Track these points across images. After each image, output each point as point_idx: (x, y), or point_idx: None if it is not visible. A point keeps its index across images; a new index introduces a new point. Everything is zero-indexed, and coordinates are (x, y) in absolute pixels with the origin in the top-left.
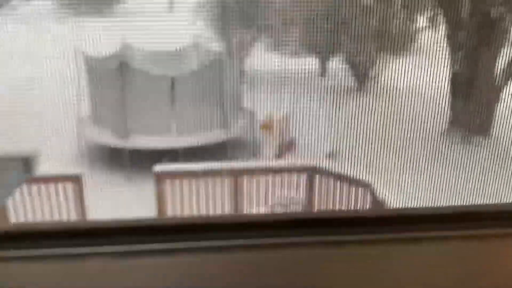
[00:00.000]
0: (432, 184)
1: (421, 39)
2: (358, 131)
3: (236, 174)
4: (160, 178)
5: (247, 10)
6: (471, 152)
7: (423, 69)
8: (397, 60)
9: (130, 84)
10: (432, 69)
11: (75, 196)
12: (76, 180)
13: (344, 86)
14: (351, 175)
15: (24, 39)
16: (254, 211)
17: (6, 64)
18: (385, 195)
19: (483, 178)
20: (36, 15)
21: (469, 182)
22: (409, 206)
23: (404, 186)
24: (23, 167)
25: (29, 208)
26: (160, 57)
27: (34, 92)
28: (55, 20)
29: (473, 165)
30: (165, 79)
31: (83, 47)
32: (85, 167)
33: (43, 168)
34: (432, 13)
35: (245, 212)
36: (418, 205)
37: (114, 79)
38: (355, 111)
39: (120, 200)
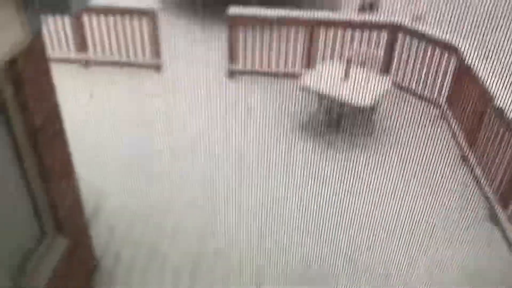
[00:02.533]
0: None
1: None
2: None
3: (313, 25)
4: (233, 22)
5: None
6: None
7: None
8: None
9: None
10: None
11: (149, 32)
12: (151, 15)
13: None
14: (437, 37)
15: None
16: (328, 63)
17: None
18: (473, 60)
19: None
20: None
21: None
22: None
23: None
24: None
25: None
26: None
27: None
28: None
29: None
30: None
31: None
32: (160, 6)
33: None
34: None
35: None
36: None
37: None
38: None
39: (194, 40)
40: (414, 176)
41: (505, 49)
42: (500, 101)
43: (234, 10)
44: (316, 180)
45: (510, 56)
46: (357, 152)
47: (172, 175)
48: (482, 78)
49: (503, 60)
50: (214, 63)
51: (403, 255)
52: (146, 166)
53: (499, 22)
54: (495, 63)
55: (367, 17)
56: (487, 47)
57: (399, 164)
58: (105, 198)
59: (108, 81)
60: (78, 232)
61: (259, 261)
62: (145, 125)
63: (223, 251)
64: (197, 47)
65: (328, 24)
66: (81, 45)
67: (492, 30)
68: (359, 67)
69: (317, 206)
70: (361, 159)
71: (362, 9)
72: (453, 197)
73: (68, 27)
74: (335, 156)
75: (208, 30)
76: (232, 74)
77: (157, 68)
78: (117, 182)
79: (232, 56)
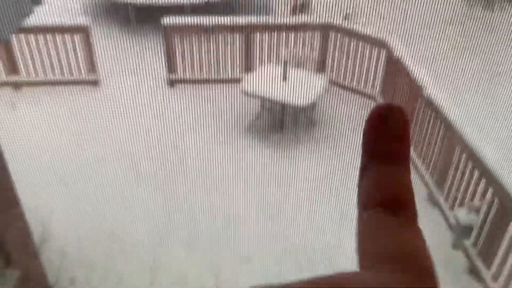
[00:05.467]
0: (449, 45)
1: None
2: None
3: (248, 30)
4: (168, 31)
5: None
6: (492, 18)
7: None
8: None
9: None
10: None
11: (83, 47)
12: (83, 31)
13: None
14: (367, 33)
15: None
16: (266, 66)
17: None
18: (402, 53)
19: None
20: None
21: (483, 46)
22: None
23: (421, 46)
24: None
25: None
26: None
27: None
28: None
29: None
30: None
31: None
32: (91, 20)
33: (49, 19)
34: None
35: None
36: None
37: None
38: None
39: (130, 52)
40: (355, 165)
41: (428, 42)
42: (429, 91)
43: (168, 19)
44: (264, 178)
45: (433, 47)
46: (300, 148)
47: (118, 191)
48: (411, 70)
49: (428, 51)
50: (153, 73)
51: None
52: (89, 185)
53: (422, 17)
54: (421, 54)
55: (300, 18)
56: (413, 40)
57: (340, 156)
58: (53, 222)
59: (42, 101)
60: (29, 262)
61: (220, 269)
62: (86, 143)
63: (179, 263)
64: (134, 59)
65: (263, 28)
66: (12, 67)
67: (416, 24)
68: (296, 68)
69: (268, 202)
70: (305, 154)
71: (294, 11)
72: None
73: None
74: (280, 154)
75: (143, 41)
76: (172, 83)
77: (94, 83)
78: (62, 205)
79: (170, 65)
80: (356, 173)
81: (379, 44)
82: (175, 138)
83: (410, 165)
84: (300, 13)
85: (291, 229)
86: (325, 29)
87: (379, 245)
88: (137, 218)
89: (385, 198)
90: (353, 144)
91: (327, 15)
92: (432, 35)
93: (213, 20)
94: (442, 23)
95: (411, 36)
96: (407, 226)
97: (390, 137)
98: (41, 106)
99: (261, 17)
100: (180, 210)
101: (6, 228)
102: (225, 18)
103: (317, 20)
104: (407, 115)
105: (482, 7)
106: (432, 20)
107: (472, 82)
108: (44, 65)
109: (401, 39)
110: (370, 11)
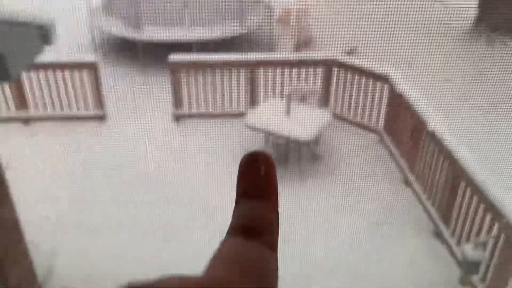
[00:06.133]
0: (453, 79)
1: None
2: (378, 26)
3: (252, 66)
4: (174, 68)
5: None
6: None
7: None
8: None
9: None
10: None
11: (91, 83)
12: (91, 67)
13: None
14: (369, 68)
15: None
16: (270, 101)
17: None
18: (405, 87)
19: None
20: None
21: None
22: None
23: (425, 80)
24: (41, 36)
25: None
26: None
27: None
28: None
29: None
30: None
31: None
32: (99, 57)
33: (59, 56)
34: None
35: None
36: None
37: None
38: (375, 6)
39: (136, 88)
40: (360, 199)
41: (432, 77)
42: (433, 125)
43: (174, 57)
44: None
45: (437, 81)
46: (304, 185)
47: (121, 226)
48: (414, 104)
49: (432, 86)
50: (158, 109)
51: (353, 277)
52: (95, 221)
53: (426, 52)
54: (425, 88)
55: (303, 54)
56: (416, 75)
57: (345, 190)
58: (57, 259)
59: (51, 136)
60: None
61: None
62: (92, 177)
63: None
64: (140, 95)
65: (267, 63)
66: (22, 103)
67: (420, 60)
68: (299, 102)
69: None
70: (308, 191)
71: (298, 46)
72: (398, 217)
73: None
74: (284, 191)
75: (150, 77)
76: (178, 118)
77: (102, 118)
78: (67, 242)
79: (176, 101)
80: (361, 208)
81: (382, 78)
82: (180, 172)
83: (276, 200)
84: (303, 49)
85: (293, 270)
86: (328, 64)
87: (223, 257)
88: (142, 257)
89: (241, 227)
90: (357, 179)
91: (330, 51)
92: (436, 70)
93: (218, 57)
94: (446, 58)
95: (414, 71)
96: (256, 249)
97: (253, 179)
98: (49, 140)
99: (266, 53)
100: (183, 250)
101: (9, 264)
102: (230, 54)
103: (320, 55)
104: (269, 158)
105: (485, 41)
106: (436, 55)
107: (477, 116)
108: (53, 100)
109: (404, 74)
110: (372, 46)
